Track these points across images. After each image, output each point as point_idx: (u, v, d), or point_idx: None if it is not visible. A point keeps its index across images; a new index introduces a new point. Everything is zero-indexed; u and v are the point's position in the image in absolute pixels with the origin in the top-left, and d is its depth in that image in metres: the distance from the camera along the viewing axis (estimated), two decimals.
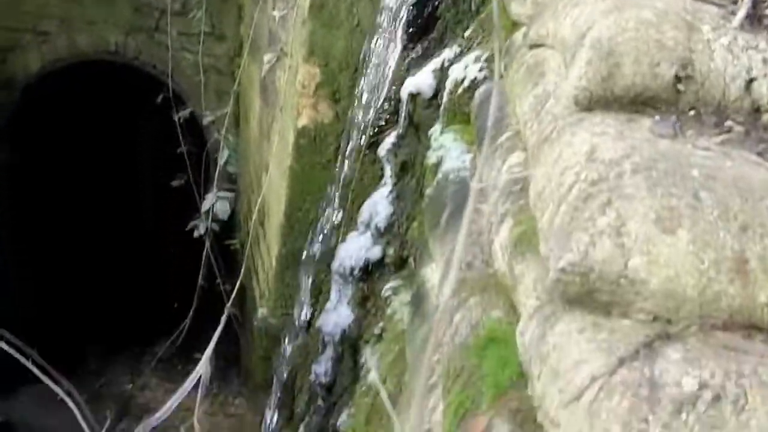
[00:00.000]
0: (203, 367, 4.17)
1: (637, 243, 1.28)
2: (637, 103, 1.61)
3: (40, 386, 4.31)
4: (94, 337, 5.19)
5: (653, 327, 1.25)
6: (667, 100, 1.61)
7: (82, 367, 5.03)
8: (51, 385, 2.26)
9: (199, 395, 2.06)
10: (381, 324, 2.81)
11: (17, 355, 2.27)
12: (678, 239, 1.27)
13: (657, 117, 1.60)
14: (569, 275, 1.32)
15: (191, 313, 4.66)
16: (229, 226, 4.99)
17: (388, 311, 2.75)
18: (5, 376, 4.82)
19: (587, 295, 1.31)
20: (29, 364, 2.26)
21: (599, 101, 1.62)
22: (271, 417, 3.75)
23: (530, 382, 1.41)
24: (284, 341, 3.67)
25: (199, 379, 4.40)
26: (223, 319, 4.21)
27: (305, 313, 3.30)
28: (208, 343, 4.32)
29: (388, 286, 2.81)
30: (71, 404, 2.26)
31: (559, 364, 1.28)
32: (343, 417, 2.96)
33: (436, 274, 2.28)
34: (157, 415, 4.31)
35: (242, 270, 4.26)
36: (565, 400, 1.23)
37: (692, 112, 1.61)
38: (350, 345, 3.00)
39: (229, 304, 4.29)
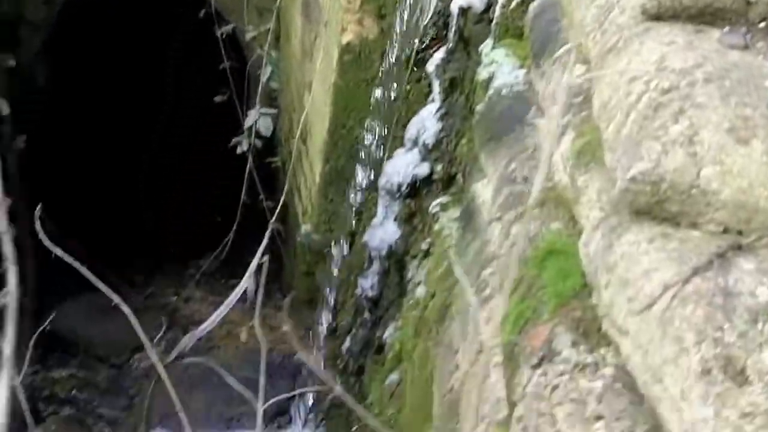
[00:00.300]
0: (248, 281, 4.25)
1: (710, 152, 1.26)
2: (705, 14, 1.57)
3: (88, 297, 4.43)
4: (140, 251, 5.28)
5: (724, 238, 1.24)
6: (736, 11, 1.57)
7: (128, 281, 5.14)
8: (109, 292, 2.31)
9: (258, 302, 2.08)
10: (428, 240, 2.83)
11: (75, 264, 2.31)
12: (752, 150, 1.26)
13: (726, 28, 1.56)
14: (639, 185, 1.32)
15: (234, 228, 4.71)
16: (269, 145, 5.00)
17: (436, 227, 2.77)
18: (52, 288, 4.95)
19: (657, 205, 1.30)
20: (87, 273, 2.30)
21: (667, 11, 1.58)
22: (316, 330, 3.82)
23: (595, 292, 1.42)
24: (329, 257, 3.71)
25: (242, 293, 4.49)
26: (268, 234, 4.26)
27: (352, 229, 3.33)
28: (250, 258, 4.39)
29: (435, 202, 2.81)
30: (128, 312, 2.32)
31: (628, 274, 1.28)
32: (390, 330, 3.01)
33: (488, 190, 2.28)
34: (204, 326, 4.41)
35: (285, 186, 4.30)
36: (635, 308, 1.24)
37: (762, 24, 1.57)
38: (396, 260, 3.03)
39: (273, 220, 4.34)
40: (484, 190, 2.32)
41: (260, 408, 1.81)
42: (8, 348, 0.70)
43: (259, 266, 4.19)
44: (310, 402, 4.02)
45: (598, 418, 1.26)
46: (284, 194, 4.34)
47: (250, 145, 4.58)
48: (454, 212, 2.70)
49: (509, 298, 1.65)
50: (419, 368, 2.49)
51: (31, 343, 2.49)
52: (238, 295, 4.40)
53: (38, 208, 2.28)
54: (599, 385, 1.31)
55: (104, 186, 5.58)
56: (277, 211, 4.37)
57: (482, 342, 1.91)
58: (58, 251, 2.31)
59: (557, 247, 1.62)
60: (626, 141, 1.40)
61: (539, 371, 1.42)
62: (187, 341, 4.31)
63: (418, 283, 2.79)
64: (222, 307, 4.43)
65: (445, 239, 2.64)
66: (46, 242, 2.28)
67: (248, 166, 4.60)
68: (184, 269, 5.44)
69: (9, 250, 0.71)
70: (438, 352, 2.32)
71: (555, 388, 1.35)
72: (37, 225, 2.28)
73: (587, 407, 1.29)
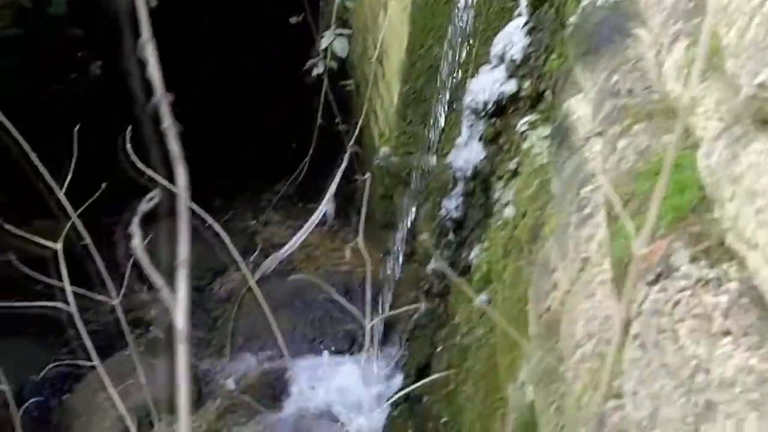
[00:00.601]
0: (327, 204, 4.26)
1: None
2: None
3: (167, 222, 4.50)
4: (218, 175, 5.32)
5: None
6: None
7: (207, 205, 5.20)
8: (206, 217, 2.32)
9: (361, 220, 2.08)
10: (516, 160, 2.78)
11: (169, 186, 2.32)
12: None
13: None
14: (766, 92, 1.25)
15: (310, 152, 4.71)
16: (343, 67, 4.95)
17: (524, 146, 2.71)
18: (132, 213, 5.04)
19: None
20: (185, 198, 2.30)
21: None
22: (395, 254, 3.83)
23: (717, 205, 1.36)
24: (409, 179, 3.69)
25: (318, 219, 4.50)
26: (347, 156, 4.26)
27: (433, 150, 3.28)
28: (325, 182, 4.39)
29: (523, 120, 2.75)
30: (223, 234, 2.33)
31: (756, 184, 1.23)
32: (476, 251, 2.99)
33: (584, 105, 2.21)
34: (285, 248, 4.46)
35: (362, 109, 4.26)
36: (765, 219, 1.18)
37: None
38: (482, 181, 2.98)
39: (351, 142, 4.32)
40: (579, 106, 2.25)
41: (368, 325, 1.81)
42: (184, 251, 0.69)
43: (339, 189, 4.21)
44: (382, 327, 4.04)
45: (725, 333, 1.22)
46: (362, 116, 4.31)
47: (325, 67, 4.53)
48: (544, 130, 2.63)
49: (623, 210, 1.60)
50: (510, 288, 2.47)
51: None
52: (319, 218, 4.44)
53: (128, 130, 2.29)
54: (724, 300, 1.26)
55: (180, 111, 5.61)
56: (355, 133, 4.35)
57: (585, 260, 1.87)
58: (150, 172, 2.31)
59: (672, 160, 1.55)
60: (751, 46, 1.33)
61: (657, 287, 1.38)
62: (270, 264, 4.38)
63: (506, 204, 2.75)
64: (303, 230, 4.47)
65: (535, 158, 2.59)
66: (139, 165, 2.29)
67: (324, 88, 4.57)
68: (262, 194, 5.48)
69: (175, 147, 0.69)
70: (532, 271, 2.29)
71: (676, 304, 1.31)
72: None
73: (713, 323, 1.24)
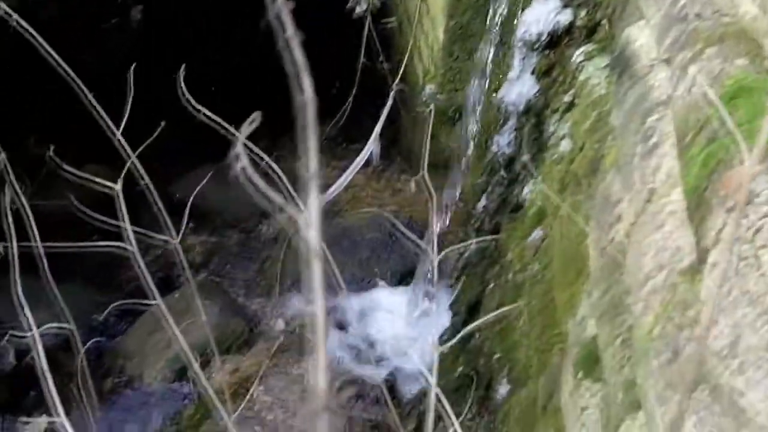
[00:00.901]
0: (373, 143, 4.23)
1: None
2: None
3: (213, 165, 4.49)
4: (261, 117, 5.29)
5: None
6: None
7: (248, 148, 5.19)
8: (261, 155, 2.30)
9: (424, 153, 2.05)
10: (571, 92, 2.71)
11: (225, 126, 2.30)
12: None
13: None
14: None
15: (353, 92, 4.66)
16: (385, 5, 4.86)
17: (581, 78, 2.64)
18: (180, 157, 5.05)
19: None
20: (237, 133, 2.29)
21: None
22: (443, 192, 3.79)
23: None
24: (456, 117, 3.63)
25: (364, 160, 4.48)
26: (391, 95, 4.20)
27: (484, 85, 3.22)
28: (369, 122, 4.34)
29: (579, 51, 2.68)
30: (279, 172, 2.31)
31: None
32: (529, 187, 2.95)
33: (647, 32, 2.14)
34: (332, 189, 4.44)
35: (408, 45, 4.19)
36: None
37: None
38: (535, 115, 2.93)
39: (396, 81, 4.26)
40: (641, 33, 2.18)
41: (435, 260, 1.79)
42: (313, 163, 0.67)
43: (382, 129, 4.17)
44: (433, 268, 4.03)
45: None
46: (407, 54, 4.25)
47: (368, 4, 4.45)
48: (601, 61, 2.57)
49: (691, 141, 1.56)
50: (569, 223, 2.43)
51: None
52: (365, 158, 4.41)
53: (181, 69, 2.27)
54: None
55: (220, 54, 5.57)
56: (401, 71, 4.29)
57: (651, 191, 1.83)
58: (206, 112, 2.30)
59: (747, 84, 1.50)
60: None
61: (737, 215, 1.34)
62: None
63: (562, 137, 2.70)
64: (349, 170, 4.42)
65: (593, 90, 2.53)
66: (192, 103, 2.27)
67: (366, 25, 4.49)
68: None
69: (299, 57, 0.67)
70: (592, 205, 2.25)
71: (758, 230, 1.28)
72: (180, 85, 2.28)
73: None
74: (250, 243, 4.73)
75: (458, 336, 1.80)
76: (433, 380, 1.39)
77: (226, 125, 2.44)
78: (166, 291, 3.89)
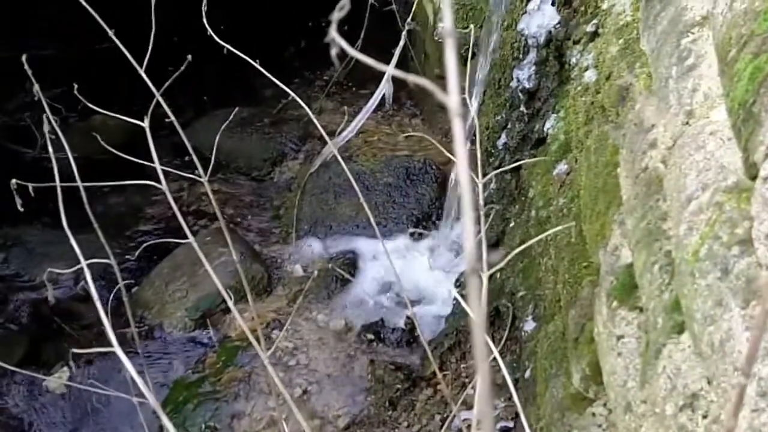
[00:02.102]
0: (384, 86, 4.18)
1: None
2: None
3: (224, 112, 4.44)
4: (268, 65, 5.24)
5: None
6: None
7: (259, 95, 5.14)
8: (282, 89, 2.26)
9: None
10: (594, 21, 2.66)
11: (247, 59, 2.26)
12: None
13: None
14: None
15: (362, 34, 4.59)
16: None
17: (604, 5, 2.59)
18: (189, 104, 5.00)
19: None
20: (259, 66, 2.25)
21: None
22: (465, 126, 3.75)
23: None
24: (472, 55, 3.57)
25: (376, 103, 4.41)
26: (403, 35, 4.14)
27: (500, 19, 3.15)
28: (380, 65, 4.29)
29: None
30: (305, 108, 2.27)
31: None
32: (552, 121, 2.91)
33: None
34: (345, 134, 4.41)
35: None
36: None
37: None
38: (556, 48, 2.88)
39: (409, 19, 4.19)
40: None
41: (478, 185, 1.76)
42: (448, 20, 0.64)
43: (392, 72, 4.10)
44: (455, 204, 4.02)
45: None
46: None
47: None
48: None
49: (738, 53, 1.52)
50: (596, 154, 2.40)
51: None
52: (377, 102, 4.36)
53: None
54: None
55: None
56: (412, 10, 4.22)
57: (689, 113, 1.80)
58: (231, 47, 2.25)
59: None
60: None
61: None
62: (329, 149, 4.34)
63: (586, 68, 2.65)
64: (361, 114, 4.40)
65: (618, 17, 2.47)
66: (218, 41, 2.23)
67: None
68: (314, 82, 5.39)
69: None
70: (622, 134, 2.21)
71: None
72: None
73: None
74: (264, 191, 4.70)
75: (495, 268, 1.76)
76: (484, 304, 1.37)
77: (249, 59, 2.40)
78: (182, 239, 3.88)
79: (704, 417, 1.51)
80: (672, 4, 2.00)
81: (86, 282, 1.23)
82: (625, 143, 2.14)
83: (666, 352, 1.70)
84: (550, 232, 2.10)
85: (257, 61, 2.20)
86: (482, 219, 1.69)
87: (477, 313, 0.53)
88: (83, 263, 1.34)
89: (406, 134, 4.62)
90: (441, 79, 3.49)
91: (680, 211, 1.66)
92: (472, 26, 3.15)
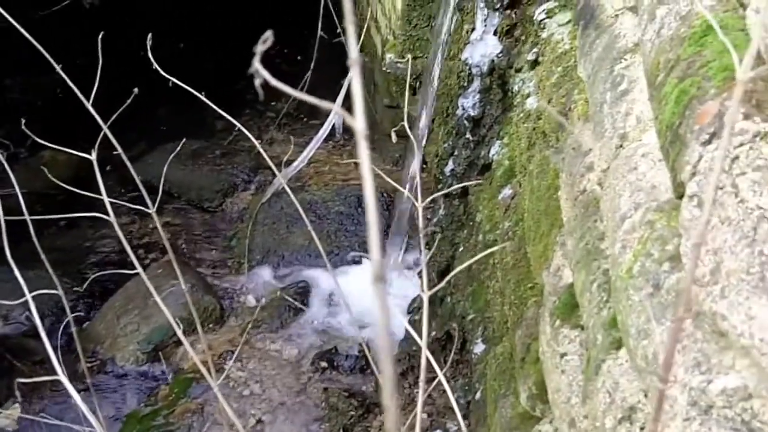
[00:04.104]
0: (334, 117, 4.22)
1: None
2: None
3: (173, 146, 4.46)
4: (217, 97, 5.27)
5: None
6: None
7: (210, 127, 5.15)
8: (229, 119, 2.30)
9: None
10: (535, 50, 2.74)
11: (192, 92, 2.29)
12: None
13: None
14: None
15: (312, 66, 4.65)
16: None
17: (543, 35, 2.68)
18: (140, 138, 4.99)
19: None
20: (204, 98, 2.28)
21: None
22: (408, 161, 3.81)
23: None
24: (417, 85, 3.64)
25: (326, 133, 4.46)
26: (350, 66, 4.20)
27: (445, 49, 3.23)
28: (329, 96, 4.34)
29: (540, 9, 2.71)
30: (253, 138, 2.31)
31: None
32: (496, 147, 2.98)
33: None
34: (295, 164, 4.44)
35: (367, 15, 4.19)
36: None
37: None
38: (499, 76, 2.95)
39: (357, 47, 4.25)
40: None
41: (421, 207, 1.80)
42: (354, 51, 0.68)
43: (342, 101, 4.16)
44: (405, 232, 4.07)
45: None
46: (365, 25, 4.24)
47: None
48: (563, 17, 2.60)
49: (664, 79, 1.59)
50: (538, 178, 2.47)
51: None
52: (327, 132, 4.41)
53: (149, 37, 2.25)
54: None
55: (173, 30, 5.50)
56: (359, 42, 4.29)
57: (623, 136, 1.87)
58: (176, 80, 2.28)
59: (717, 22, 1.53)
60: None
61: (712, 146, 1.38)
62: (280, 180, 4.36)
63: (528, 95, 2.73)
64: (312, 144, 4.45)
65: (556, 46, 2.56)
66: (160, 71, 2.26)
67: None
68: (264, 113, 5.43)
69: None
70: (562, 158, 2.29)
71: (735, 159, 1.31)
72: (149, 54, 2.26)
73: None
74: (216, 222, 4.71)
75: (436, 287, 1.81)
76: (424, 327, 1.41)
77: (195, 92, 2.43)
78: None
79: (641, 429, 1.56)
80: (606, 32, 2.08)
81: (30, 313, 1.24)
82: (565, 167, 2.21)
83: (605, 367, 1.75)
84: (485, 252, 2.15)
85: (203, 93, 2.22)
86: (422, 242, 1.73)
87: (383, 316, 0.57)
88: (28, 296, 1.35)
89: (353, 160, 4.66)
90: (390, 108, 3.56)
91: (615, 231, 1.72)
92: (410, 57, 3.21)
